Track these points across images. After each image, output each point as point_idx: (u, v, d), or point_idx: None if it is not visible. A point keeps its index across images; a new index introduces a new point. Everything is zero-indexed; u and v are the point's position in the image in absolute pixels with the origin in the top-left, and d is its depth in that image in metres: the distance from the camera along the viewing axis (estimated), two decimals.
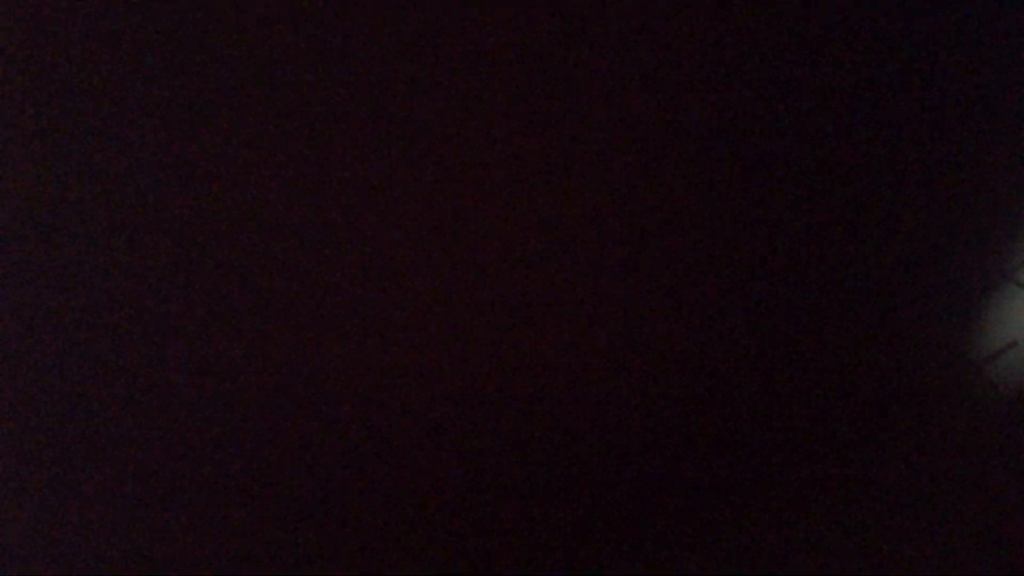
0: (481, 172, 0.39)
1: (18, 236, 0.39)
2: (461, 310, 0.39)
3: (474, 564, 0.40)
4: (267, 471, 0.39)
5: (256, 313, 0.39)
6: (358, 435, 0.39)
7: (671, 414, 0.39)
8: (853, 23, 0.40)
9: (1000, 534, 0.40)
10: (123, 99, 0.39)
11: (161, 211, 0.39)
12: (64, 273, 0.39)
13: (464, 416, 0.39)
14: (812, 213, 0.39)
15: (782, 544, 0.39)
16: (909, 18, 0.40)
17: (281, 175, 0.39)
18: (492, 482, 0.39)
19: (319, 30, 0.39)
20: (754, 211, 0.39)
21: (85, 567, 0.39)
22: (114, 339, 0.39)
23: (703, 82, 0.39)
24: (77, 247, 0.39)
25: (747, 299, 0.39)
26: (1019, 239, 0.40)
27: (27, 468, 0.39)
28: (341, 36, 0.39)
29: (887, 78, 0.40)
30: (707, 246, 0.39)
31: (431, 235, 0.39)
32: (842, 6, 0.40)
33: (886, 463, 0.39)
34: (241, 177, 0.39)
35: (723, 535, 0.39)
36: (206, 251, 0.39)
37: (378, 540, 0.39)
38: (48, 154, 0.39)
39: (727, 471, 0.39)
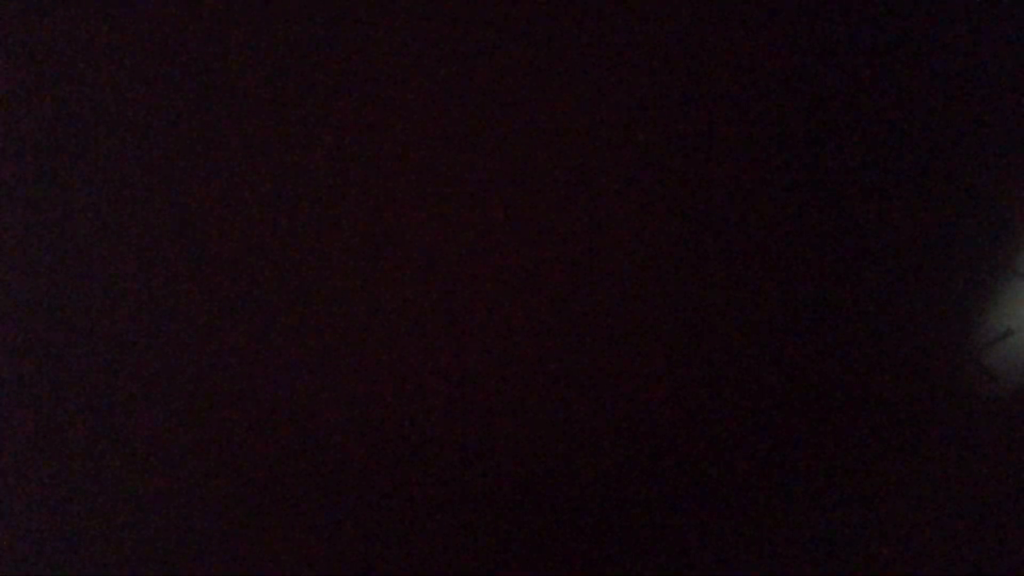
0: (479, 174, 0.39)
1: (18, 236, 0.39)
2: (459, 314, 0.39)
3: (474, 567, 0.40)
4: (266, 474, 0.39)
5: (257, 315, 0.39)
6: (358, 439, 0.39)
7: (667, 412, 0.39)
8: (854, 19, 0.40)
9: (998, 528, 0.40)
10: (120, 99, 0.39)
11: (157, 212, 0.39)
12: (61, 273, 0.39)
13: (463, 420, 0.39)
14: (808, 205, 0.39)
15: (773, 543, 0.39)
16: (909, 13, 0.40)
17: (284, 177, 0.39)
18: (492, 486, 0.39)
19: (318, 29, 0.39)
20: (750, 207, 0.39)
21: (84, 567, 0.39)
22: (110, 339, 0.39)
23: (702, 80, 0.40)
24: (73, 247, 0.39)
25: (741, 290, 0.39)
26: (1018, 227, 0.40)
27: (26, 468, 0.39)
28: (341, 37, 0.39)
29: (884, 69, 0.40)
30: (703, 240, 0.39)
31: (430, 239, 0.39)
32: (843, 5, 0.40)
33: (882, 454, 0.39)
34: (241, 177, 0.39)
35: (719, 534, 0.39)
36: (205, 251, 0.39)
37: (378, 545, 0.39)
38: (44, 154, 0.39)
39: (722, 470, 0.39)
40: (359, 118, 0.39)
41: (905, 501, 0.40)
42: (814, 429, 0.39)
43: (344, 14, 0.39)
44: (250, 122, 0.39)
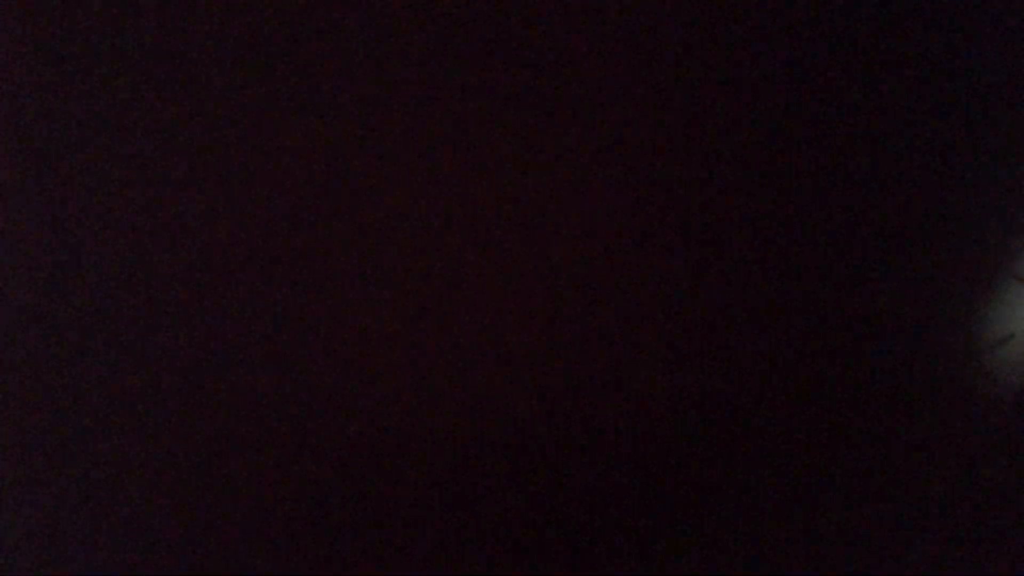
0: (477, 170, 0.39)
1: (18, 236, 0.39)
2: (458, 312, 0.39)
3: (474, 567, 0.40)
4: (265, 475, 0.39)
5: (256, 315, 0.39)
6: (356, 440, 0.39)
7: (668, 413, 0.39)
8: (855, 21, 0.40)
9: (999, 530, 0.40)
10: (120, 99, 0.39)
11: (158, 213, 0.39)
12: (62, 273, 0.39)
13: (463, 421, 0.39)
14: (812, 209, 0.39)
15: (779, 543, 0.39)
16: (909, 15, 0.40)
17: (283, 177, 0.39)
18: (491, 485, 0.39)
19: (318, 31, 0.39)
20: (754, 210, 0.39)
21: (83, 567, 0.39)
22: (108, 340, 0.39)
23: (702, 80, 0.39)
24: (74, 248, 0.39)
25: (746, 294, 0.39)
26: (1018, 232, 0.40)
27: (26, 468, 0.39)
28: (339, 39, 0.39)
29: (886, 73, 0.40)
30: (706, 245, 0.39)
31: (429, 237, 0.39)
32: (843, 5, 0.40)
33: (885, 457, 0.39)
34: (240, 179, 0.39)
35: (720, 535, 0.39)
36: (205, 252, 0.39)
37: (376, 545, 0.40)
38: (45, 154, 0.39)
39: (725, 470, 0.39)
40: (357, 116, 0.39)
41: (906, 503, 0.40)
42: (817, 431, 0.40)
43: (345, 14, 0.39)
44: (249, 121, 0.39)
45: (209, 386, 0.39)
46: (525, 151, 0.39)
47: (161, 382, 0.39)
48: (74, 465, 0.39)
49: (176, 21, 0.39)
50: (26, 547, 0.39)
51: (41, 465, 0.39)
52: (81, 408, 0.39)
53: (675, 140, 0.39)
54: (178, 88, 0.39)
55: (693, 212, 0.39)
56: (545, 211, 0.39)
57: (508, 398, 0.39)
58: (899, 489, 0.40)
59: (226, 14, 0.39)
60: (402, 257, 0.39)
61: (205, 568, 0.39)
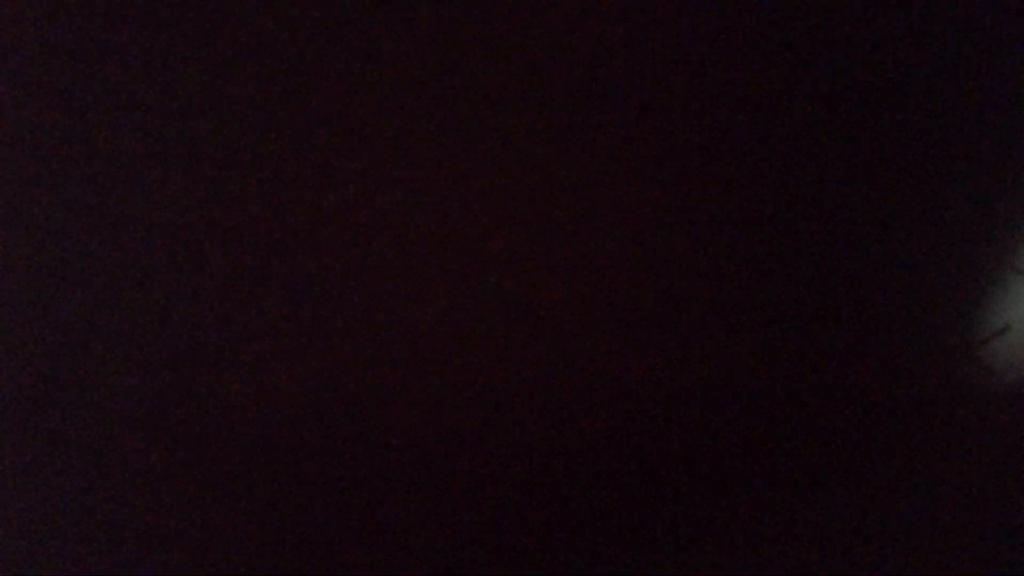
0: (481, 171, 0.39)
1: (17, 236, 0.39)
2: (461, 312, 0.39)
3: (476, 566, 0.39)
4: (269, 474, 0.39)
5: (260, 312, 0.39)
6: (361, 440, 0.39)
7: (665, 410, 0.39)
8: (853, 18, 0.40)
9: (997, 526, 0.40)
10: (122, 98, 0.39)
11: (163, 212, 0.39)
12: (65, 273, 0.39)
13: (465, 420, 0.39)
14: (808, 202, 0.39)
15: (774, 541, 0.39)
16: (910, 13, 0.40)
17: (287, 176, 0.39)
18: (494, 484, 0.39)
19: (322, 30, 0.39)
20: (750, 206, 0.39)
21: (84, 567, 0.39)
22: (111, 339, 0.39)
23: (701, 78, 0.40)
24: (78, 247, 0.39)
25: (742, 291, 0.39)
26: (1015, 223, 0.40)
27: (26, 468, 0.39)
28: (345, 38, 0.39)
29: (884, 70, 0.40)
30: (701, 240, 0.39)
31: (433, 236, 0.39)
32: (843, 4, 0.40)
33: (880, 452, 0.39)
34: (244, 177, 0.39)
35: (719, 533, 0.39)
36: (210, 250, 0.39)
37: (380, 544, 0.39)
38: (46, 154, 0.39)
39: (722, 467, 0.39)
40: (357, 113, 0.39)
41: (902, 497, 0.40)
42: (811, 427, 0.40)
43: (350, 18, 0.39)
44: (251, 120, 0.39)
45: (209, 386, 0.39)
46: (522, 152, 0.39)
47: (160, 383, 0.39)
48: (75, 465, 0.39)
49: (174, 21, 0.39)
50: (26, 546, 0.39)
51: (41, 465, 0.39)
52: (81, 407, 0.39)
53: (673, 141, 0.39)
54: (177, 87, 0.39)
55: (690, 209, 0.39)
56: (547, 211, 0.39)
57: (510, 396, 0.39)
58: (895, 487, 0.39)
59: (224, 14, 0.39)
60: (400, 256, 0.39)
61: (206, 568, 0.39)
